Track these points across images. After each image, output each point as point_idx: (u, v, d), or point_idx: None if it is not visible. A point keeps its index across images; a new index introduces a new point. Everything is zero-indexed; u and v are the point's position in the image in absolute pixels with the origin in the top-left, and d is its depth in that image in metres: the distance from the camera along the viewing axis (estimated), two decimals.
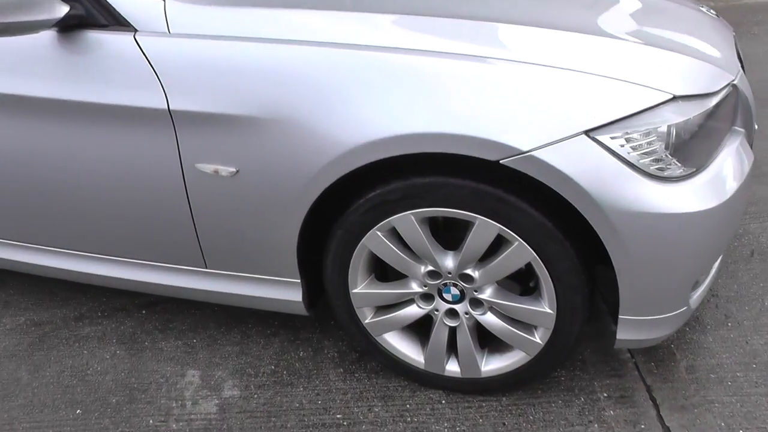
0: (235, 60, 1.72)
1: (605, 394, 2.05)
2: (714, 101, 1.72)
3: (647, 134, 1.58)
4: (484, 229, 1.71)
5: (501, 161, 1.59)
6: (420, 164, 1.73)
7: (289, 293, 2.05)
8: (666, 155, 1.60)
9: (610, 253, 1.65)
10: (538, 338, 1.87)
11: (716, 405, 1.99)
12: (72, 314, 2.63)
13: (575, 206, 1.60)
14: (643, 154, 1.58)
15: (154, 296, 2.66)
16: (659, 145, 1.59)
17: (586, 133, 1.56)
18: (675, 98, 1.62)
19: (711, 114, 1.72)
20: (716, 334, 2.26)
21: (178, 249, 2.06)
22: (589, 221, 1.61)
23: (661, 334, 1.84)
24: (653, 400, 2.03)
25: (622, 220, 1.59)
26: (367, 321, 2.01)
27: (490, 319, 1.90)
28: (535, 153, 1.56)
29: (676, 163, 1.62)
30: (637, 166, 1.58)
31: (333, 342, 2.35)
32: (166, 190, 1.91)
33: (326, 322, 2.45)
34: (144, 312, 2.60)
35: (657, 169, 1.60)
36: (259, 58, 1.71)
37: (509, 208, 1.67)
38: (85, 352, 2.42)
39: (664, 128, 1.59)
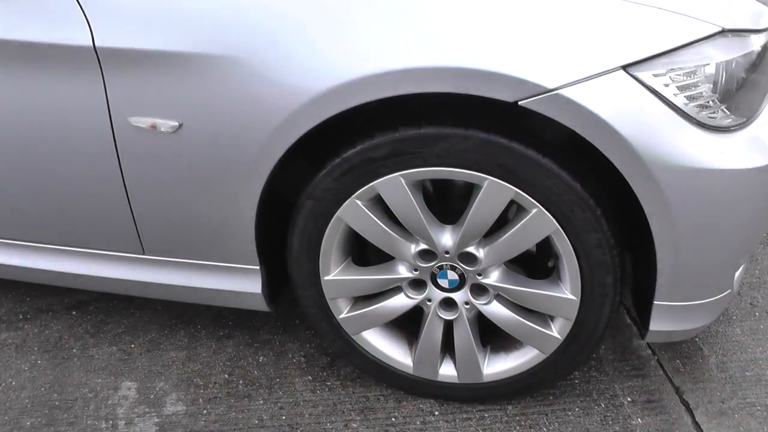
0: None
1: (629, 399, 1.72)
2: (762, 41, 1.42)
3: (692, 73, 1.29)
4: (494, 193, 1.36)
5: (520, 102, 1.25)
6: (410, 114, 1.37)
7: (245, 283, 1.67)
8: (714, 100, 1.30)
9: (650, 220, 1.33)
10: (556, 332, 1.52)
11: (758, 408, 1.68)
12: None
13: (610, 159, 1.28)
14: (689, 97, 1.27)
15: (86, 295, 2.24)
16: (706, 88, 1.30)
17: (625, 68, 1.26)
18: (724, 32, 1.31)
19: (760, 56, 1.41)
20: (744, 326, 1.96)
21: (107, 230, 1.66)
22: (627, 178, 1.29)
23: (700, 324, 1.52)
24: (685, 404, 1.70)
25: (666, 176, 1.27)
26: (342, 316, 1.63)
27: (495, 310, 1.55)
28: (563, 91, 1.24)
29: (725, 110, 1.31)
30: (684, 111, 1.27)
31: (299, 345, 1.97)
32: (91, 153, 1.52)
33: (290, 320, 2.07)
34: (74, 313, 2.18)
35: (706, 116, 1.29)
36: None
37: (527, 166, 1.32)
38: None
39: (712, 67, 1.30)
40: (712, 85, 1.30)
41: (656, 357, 1.86)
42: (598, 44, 1.26)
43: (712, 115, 1.31)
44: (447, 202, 1.55)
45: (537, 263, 1.61)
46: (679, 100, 1.28)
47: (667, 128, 1.27)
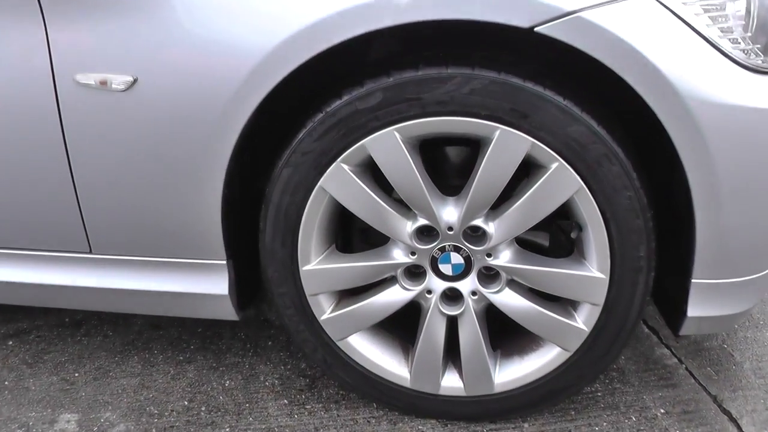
0: None
1: (662, 410, 1.47)
2: None
3: (723, 6, 1.12)
4: (506, 145, 1.15)
5: (536, 29, 1.05)
6: (401, 54, 1.17)
7: (209, 284, 1.41)
8: (746, 38, 1.13)
9: (687, 171, 1.13)
10: (581, 322, 1.28)
11: None
12: None
13: (641, 93, 1.09)
14: (722, 30, 1.10)
15: (26, 323, 1.95)
16: (738, 24, 1.13)
17: None
18: None
19: None
20: None
21: (45, 222, 1.40)
22: (660, 118, 1.10)
23: (745, 307, 1.31)
24: (727, 413, 1.46)
25: (706, 114, 1.09)
26: (325, 316, 1.37)
27: (509, 299, 1.31)
28: (585, 14, 1.05)
29: (757, 50, 1.14)
30: (718, 45, 1.10)
31: (272, 366, 1.69)
32: (26, 119, 1.28)
33: (261, 342, 1.79)
34: (11, 343, 1.88)
35: (742, 54, 1.12)
36: None
37: (545, 111, 1.12)
38: None
39: (742, 3, 1.15)
40: (744, 23, 1.14)
41: (684, 365, 1.62)
42: None
43: (747, 52, 1.14)
44: (446, 180, 1.33)
45: (554, 243, 1.39)
46: (713, 33, 1.11)
47: (702, 60, 1.09)
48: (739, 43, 1.14)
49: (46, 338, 1.88)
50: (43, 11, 1.20)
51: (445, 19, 1.07)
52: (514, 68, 1.13)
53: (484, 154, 1.17)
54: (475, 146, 1.25)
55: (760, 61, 1.15)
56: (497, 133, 1.14)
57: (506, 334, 1.41)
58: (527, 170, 1.24)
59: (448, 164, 1.37)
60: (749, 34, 1.15)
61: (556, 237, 1.38)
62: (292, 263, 1.32)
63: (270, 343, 1.79)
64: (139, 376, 1.69)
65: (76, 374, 1.72)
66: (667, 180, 1.24)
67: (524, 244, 1.34)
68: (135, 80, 1.20)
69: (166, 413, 1.54)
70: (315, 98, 1.23)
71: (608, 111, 1.17)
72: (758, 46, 1.15)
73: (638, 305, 1.24)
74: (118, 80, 1.21)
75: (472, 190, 1.20)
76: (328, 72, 1.20)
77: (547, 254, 1.34)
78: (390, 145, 1.18)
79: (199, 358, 1.74)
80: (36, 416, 1.57)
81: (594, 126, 1.12)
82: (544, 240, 1.42)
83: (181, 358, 1.75)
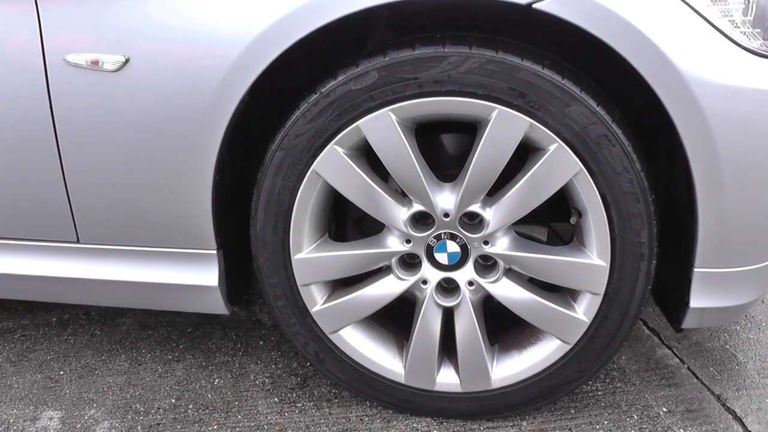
0: None
1: (665, 409, 1.43)
2: None
3: None
4: (504, 126, 1.12)
5: (534, 5, 1.03)
6: (393, 33, 1.15)
7: (198, 274, 1.37)
8: (746, 21, 1.11)
9: (688, 153, 1.09)
10: (582, 313, 1.25)
11: None
12: None
13: (642, 73, 1.06)
14: (722, 12, 1.08)
15: (11, 322, 1.90)
16: (738, 8, 1.12)
17: None
18: None
19: None
20: None
21: (32, 209, 1.36)
22: (661, 97, 1.07)
23: (749, 298, 1.27)
24: (731, 412, 1.42)
25: (707, 94, 1.06)
26: (317, 308, 1.33)
27: (507, 290, 1.27)
28: None
29: (755, 34, 1.12)
30: (717, 27, 1.08)
31: (262, 366, 1.64)
32: (13, 101, 1.24)
33: (251, 341, 1.74)
34: None
35: (742, 35, 1.10)
36: None
37: (543, 90, 1.09)
38: None
39: None
40: (744, 6, 1.12)
41: (686, 365, 1.58)
42: None
43: (747, 35, 1.12)
44: (442, 169, 1.30)
45: (552, 230, 1.35)
46: (713, 13, 1.09)
47: (702, 40, 1.07)
48: (739, 26, 1.12)
49: (32, 337, 1.83)
50: None
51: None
52: (512, 48, 1.10)
53: (481, 136, 1.14)
54: (471, 134, 1.22)
55: (759, 44, 1.13)
56: (495, 113, 1.11)
57: (504, 329, 1.37)
58: (524, 158, 1.21)
59: (443, 152, 1.34)
60: (749, 18, 1.13)
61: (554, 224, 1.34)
62: (283, 251, 1.28)
63: (261, 342, 1.74)
64: (125, 374, 1.64)
65: (61, 372, 1.67)
66: (668, 166, 1.21)
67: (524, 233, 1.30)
68: (127, 60, 1.17)
69: (152, 411, 1.49)
70: (312, 82, 1.20)
71: (607, 92, 1.14)
72: (758, 30, 1.13)
73: (640, 294, 1.21)
74: (110, 60, 1.18)
75: (468, 173, 1.17)
76: (329, 57, 1.17)
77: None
78: (385, 127, 1.15)
79: (188, 357, 1.69)
80: (17, 413, 1.52)
81: (593, 106, 1.09)
82: (541, 235, 1.39)
83: (170, 356, 1.70)
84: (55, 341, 1.81)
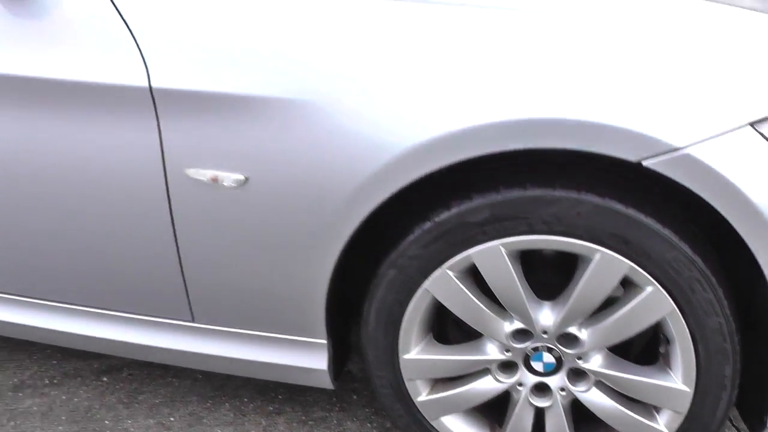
0: (243, 15, 1.20)
1: None
2: None
3: None
4: (606, 267, 1.19)
5: (644, 163, 1.08)
6: (507, 174, 1.21)
7: (309, 359, 1.48)
8: None
9: None
10: (663, 425, 1.32)
11: None
12: (9, 381, 2.00)
13: (740, 232, 1.11)
14: None
15: (117, 360, 2.05)
16: None
17: (753, 125, 1.10)
18: None
19: None
20: None
21: (152, 294, 1.49)
22: (755, 255, 1.11)
23: None
24: None
25: None
26: (421, 399, 1.44)
27: (595, 398, 1.35)
28: (691, 150, 1.07)
29: None
30: None
31: (359, 424, 1.76)
32: (139, 208, 1.36)
33: (346, 396, 1.86)
34: (105, 379, 1.99)
35: None
36: (277, 12, 1.19)
37: (645, 237, 1.15)
38: None
39: None
40: None
41: None
42: (724, 99, 1.10)
43: None
44: (538, 275, 1.36)
45: (641, 347, 1.42)
46: None
47: None
48: None
49: (138, 377, 1.99)
50: (157, 108, 1.26)
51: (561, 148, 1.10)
52: (617, 192, 1.15)
53: (584, 271, 1.20)
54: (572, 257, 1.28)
55: None
56: (597, 255, 1.18)
57: (587, 422, 1.45)
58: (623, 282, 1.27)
59: (543, 262, 1.39)
60: None
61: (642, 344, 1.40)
62: (392, 351, 1.39)
63: (354, 397, 1.86)
64: (231, 425, 1.79)
65: (171, 419, 1.82)
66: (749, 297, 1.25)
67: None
68: (246, 179, 1.26)
69: None
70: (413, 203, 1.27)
71: (702, 239, 1.19)
72: None
73: (720, 417, 1.28)
74: (230, 178, 1.27)
75: (570, 301, 1.24)
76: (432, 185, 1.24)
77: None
78: (495, 258, 1.22)
79: (288, 410, 1.83)
80: None
81: (690, 254, 1.14)
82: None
83: (271, 408, 1.84)
84: (161, 383, 1.96)
